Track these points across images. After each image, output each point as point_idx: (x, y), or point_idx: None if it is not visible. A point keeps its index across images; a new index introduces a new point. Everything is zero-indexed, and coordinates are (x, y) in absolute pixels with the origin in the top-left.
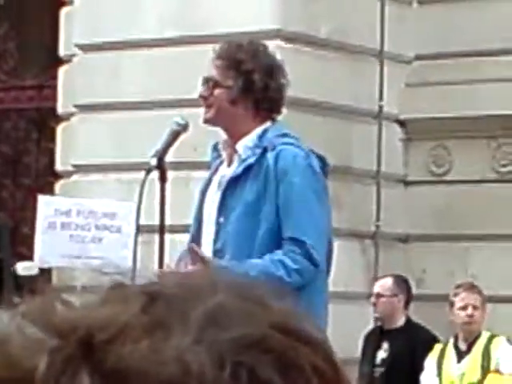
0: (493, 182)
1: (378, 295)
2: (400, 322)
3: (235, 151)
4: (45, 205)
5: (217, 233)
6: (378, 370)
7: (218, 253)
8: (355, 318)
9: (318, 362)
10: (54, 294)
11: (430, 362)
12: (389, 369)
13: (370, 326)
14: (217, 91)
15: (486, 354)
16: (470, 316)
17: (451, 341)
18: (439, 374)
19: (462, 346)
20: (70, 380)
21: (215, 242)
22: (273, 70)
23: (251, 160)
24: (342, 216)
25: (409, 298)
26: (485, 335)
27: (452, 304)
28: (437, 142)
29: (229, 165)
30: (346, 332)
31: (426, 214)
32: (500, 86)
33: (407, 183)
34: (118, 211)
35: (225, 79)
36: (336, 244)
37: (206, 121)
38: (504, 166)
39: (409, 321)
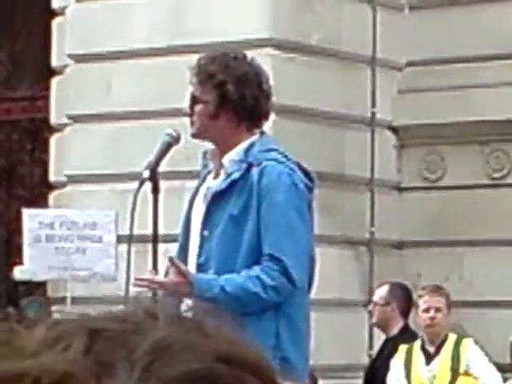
0: (486, 188)
1: (374, 303)
2: (394, 330)
3: (222, 165)
4: (29, 218)
5: (201, 246)
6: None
7: (201, 267)
8: (350, 325)
9: None
10: (5, 337)
11: (397, 363)
12: (372, 374)
13: (366, 333)
14: (197, 107)
15: (456, 357)
16: (432, 318)
17: (418, 343)
18: (408, 376)
19: (430, 349)
20: None
21: (199, 256)
22: (247, 78)
23: (236, 175)
24: (335, 223)
25: (407, 306)
26: (452, 337)
27: (417, 306)
28: (430, 148)
29: (215, 177)
30: (340, 339)
31: (421, 220)
32: (493, 92)
33: (401, 189)
34: (98, 220)
35: (202, 94)
36: (330, 251)
37: (193, 136)
38: (497, 171)
39: (405, 329)
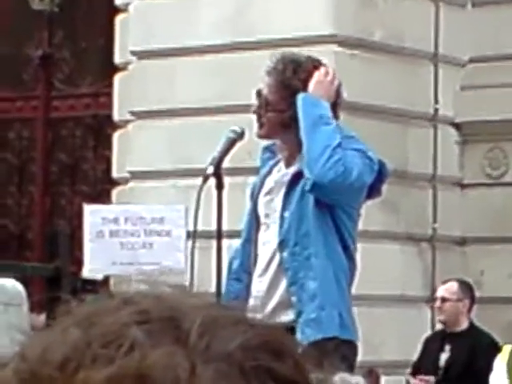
0: None
1: (444, 299)
2: (463, 325)
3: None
4: (91, 214)
5: (280, 226)
6: (440, 373)
7: (281, 245)
8: (413, 321)
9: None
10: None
11: (500, 363)
12: (449, 371)
13: (428, 328)
14: (269, 113)
15: None
16: None
17: None
18: (510, 377)
19: None
20: None
21: (280, 236)
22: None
23: None
24: (398, 220)
25: (472, 303)
26: None
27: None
28: (492, 145)
29: (287, 165)
30: (403, 335)
31: (483, 216)
32: None
33: (463, 186)
34: (166, 215)
35: (276, 101)
36: (393, 247)
37: (260, 137)
38: None
39: (472, 325)
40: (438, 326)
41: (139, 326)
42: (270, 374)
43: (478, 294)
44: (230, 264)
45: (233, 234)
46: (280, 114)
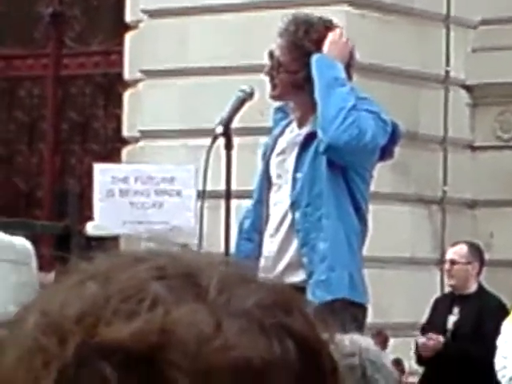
0: None
1: (453, 262)
2: (472, 288)
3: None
4: (100, 173)
5: (293, 188)
6: (448, 335)
7: (293, 206)
8: (422, 283)
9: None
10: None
11: (508, 326)
12: (457, 334)
13: (437, 291)
14: (282, 75)
15: None
16: None
17: None
18: None
19: None
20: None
21: (291, 197)
22: None
23: None
24: (408, 181)
25: (481, 265)
26: None
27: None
28: (503, 108)
29: (300, 126)
30: (412, 297)
31: (493, 179)
32: None
33: (474, 148)
34: (177, 175)
35: (288, 62)
36: (403, 209)
37: (273, 98)
38: None
39: (481, 287)
40: (448, 289)
41: (159, 282)
42: (287, 331)
43: (487, 256)
44: (241, 224)
45: (242, 195)
46: (292, 75)
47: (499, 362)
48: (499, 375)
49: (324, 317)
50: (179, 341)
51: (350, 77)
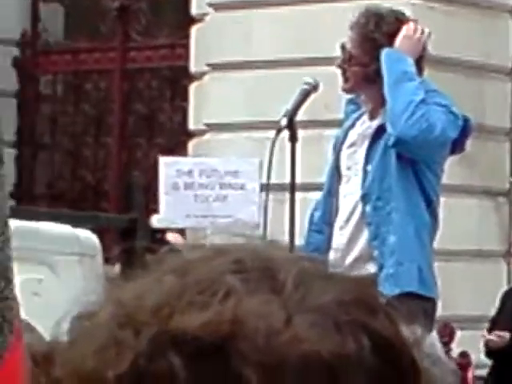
0: None
1: None
2: None
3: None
4: (165, 166)
5: (363, 181)
6: None
7: (364, 198)
8: (489, 276)
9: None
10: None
11: None
12: None
13: (504, 283)
14: (354, 68)
15: None
16: None
17: None
18: None
19: None
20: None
21: (362, 189)
22: None
23: None
24: (475, 173)
25: None
26: None
27: None
28: None
29: (370, 119)
30: (480, 289)
31: None
32: None
33: None
34: (240, 169)
35: (360, 55)
36: (469, 202)
37: (345, 91)
38: None
39: None
40: None
41: (235, 275)
42: (363, 329)
43: None
44: (312, 216)
45: (306, 187)
46: (364, 67)
47: None
48: None
49: (407, 314)
50: (249, 332)
51: (421, 69)
